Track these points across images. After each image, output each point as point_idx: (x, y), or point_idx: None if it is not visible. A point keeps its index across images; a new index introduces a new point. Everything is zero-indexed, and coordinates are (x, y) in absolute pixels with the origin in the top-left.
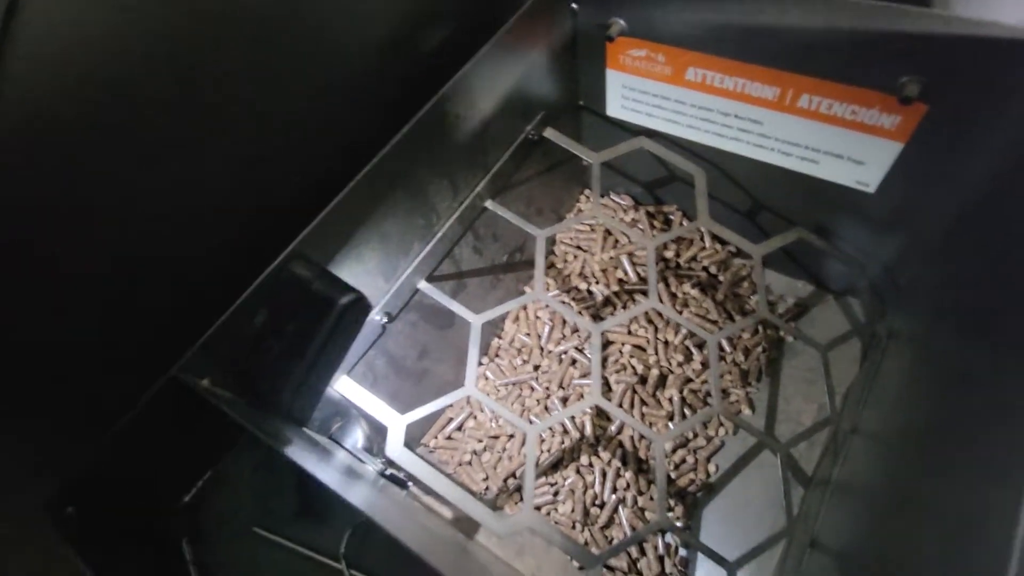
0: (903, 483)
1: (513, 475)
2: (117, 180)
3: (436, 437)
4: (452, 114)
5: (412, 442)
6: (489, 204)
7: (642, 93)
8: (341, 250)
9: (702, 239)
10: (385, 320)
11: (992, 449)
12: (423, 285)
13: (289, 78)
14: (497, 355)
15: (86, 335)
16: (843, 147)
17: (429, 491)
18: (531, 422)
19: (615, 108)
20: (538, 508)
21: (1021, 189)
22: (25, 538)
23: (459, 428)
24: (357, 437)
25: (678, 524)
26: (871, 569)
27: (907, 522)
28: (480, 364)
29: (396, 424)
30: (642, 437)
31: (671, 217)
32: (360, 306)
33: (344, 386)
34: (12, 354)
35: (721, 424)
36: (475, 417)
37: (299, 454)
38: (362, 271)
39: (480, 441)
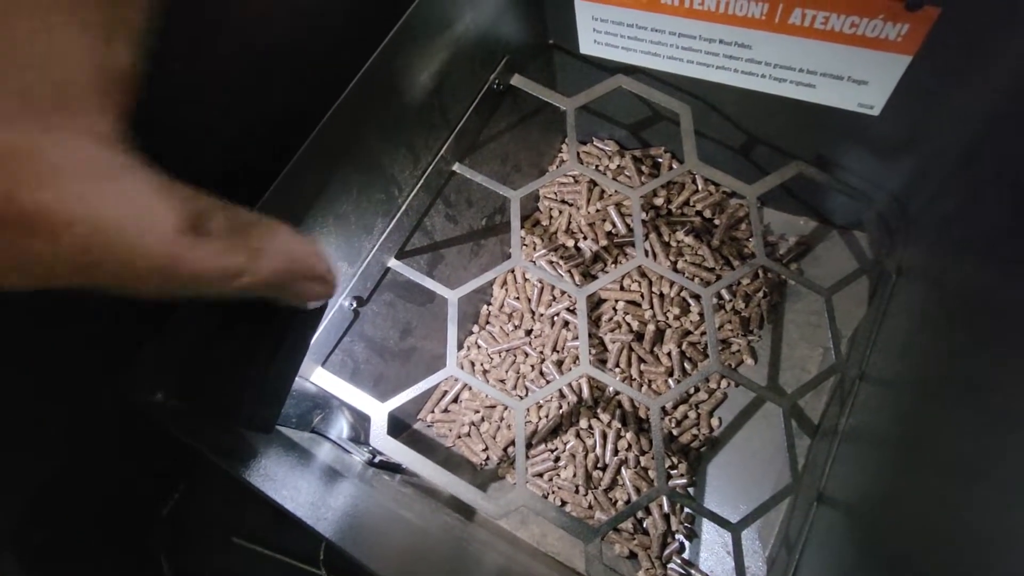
0: (914, 431)
1: (513, 443)
2: None
3: (432, 411)
4: (398, 70)
5: (408, 418)
6: (457, 167)
7: (616, 24)
8: None
9: (694, 181)
10: (354, 305)
11: (1008, 393)
12: (393, 263)
13: (207, 42)
14: (488, 322)
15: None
16: (843, 67)
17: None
18: (527, 388)
19: (588, 44)
20: (540, 475)
21: None
22: None
23: (455, 400)
24: (342, 427)
25: (681, 482)
26: (880, 522)
27: (918, 472)
28: (471, 333)
29: (378, 412)
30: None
31: (659, 160)
32: None
33: (320, 377)
34: None
35: (723, 376)
36: (470, 388)
37: (260, 476)
38: None
39: (477, 412)
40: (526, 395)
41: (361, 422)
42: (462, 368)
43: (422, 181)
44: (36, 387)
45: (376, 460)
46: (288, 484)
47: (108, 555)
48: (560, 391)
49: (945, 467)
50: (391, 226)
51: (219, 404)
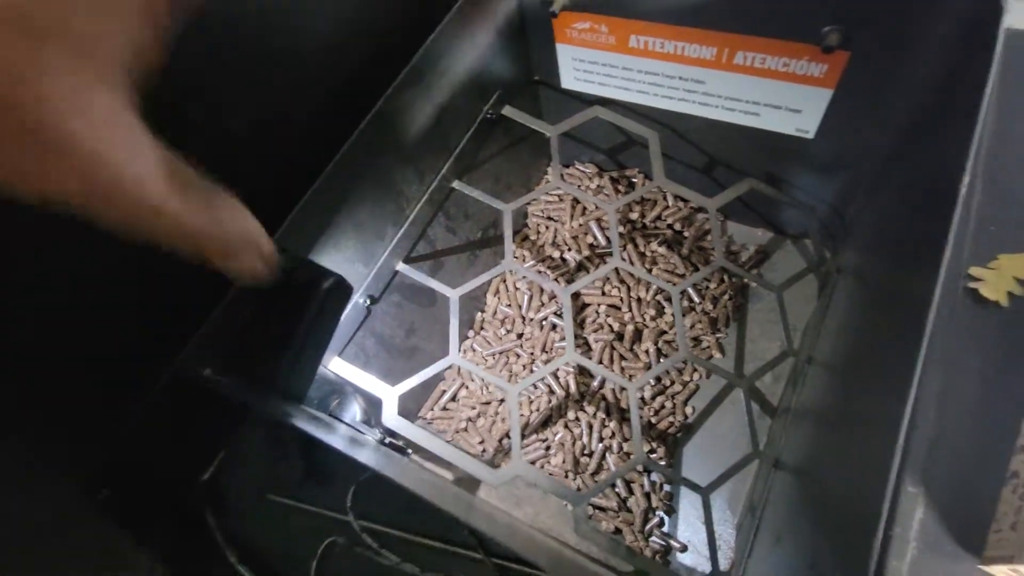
0: (841, 403)
1: (507, 435)
2: None
3: (432, 409)
4: (410, 102)
5: (409, 416)
6: (456, 184)
7: (592, 64)
8: (318, 241)
9: (664, 198)
10: (368, 303)
11: (894, 365)
12: (401, 267)
13: (253, 82)
14: (482, 328)
15: (93, 333)
16: (780, 98)
17: (428, 456)
18: None
19: (568, 80)
20: (532, 462)
21: (936, 125)
22: (66, 520)
23: (453, 399)
24: (355, 412)
25: (660, 462)
26: (817, 481)
27: (840, 437)
28: (467, 338)
29: (389, 395)
30: (622, 389)
31: (633, 180)
32: (341, 288)
33: (337, 366)
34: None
35: (695, 369)
36: (467, 387)
37: (304, 423)
38: (341, 259)
39: (473, 408)
40: None
41: (373, 408)
42: (459, 368)
43: (427, 196)
44: (107, 373)
45: (386, 442)
46: (323, 432)
47: (161, 511)
48: (549, 387)
49: (856, 432)
50: (400, 234)
51: (260, 377)
